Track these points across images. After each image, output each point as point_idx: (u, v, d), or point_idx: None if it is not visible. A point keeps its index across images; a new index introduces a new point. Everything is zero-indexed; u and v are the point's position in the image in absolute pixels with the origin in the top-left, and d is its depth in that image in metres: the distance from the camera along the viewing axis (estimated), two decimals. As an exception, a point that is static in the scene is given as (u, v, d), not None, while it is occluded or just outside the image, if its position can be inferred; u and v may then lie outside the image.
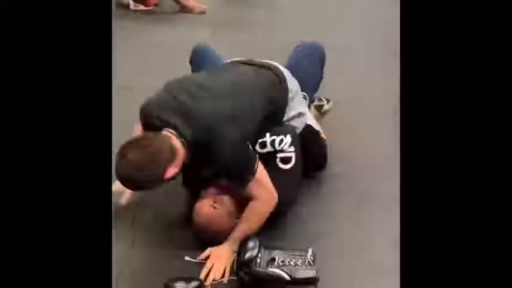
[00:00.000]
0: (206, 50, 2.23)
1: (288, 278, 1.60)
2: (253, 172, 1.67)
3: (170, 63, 3.01)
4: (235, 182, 1.72)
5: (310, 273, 1.62)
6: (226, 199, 1.74)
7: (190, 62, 2.22)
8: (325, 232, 1.86)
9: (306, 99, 2.12)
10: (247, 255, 1.62)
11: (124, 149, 1.56)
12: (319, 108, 2.34)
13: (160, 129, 1.65)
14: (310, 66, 2.17)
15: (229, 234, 1.73)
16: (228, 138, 1.63)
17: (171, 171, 1.58)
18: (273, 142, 1.81)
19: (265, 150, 1.80)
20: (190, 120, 1.64)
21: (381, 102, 2.53)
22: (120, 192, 1.81)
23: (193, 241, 1.77)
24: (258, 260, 1.62)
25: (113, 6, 3.52)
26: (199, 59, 2.17)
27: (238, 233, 1.71)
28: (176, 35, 3.43)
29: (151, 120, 1.70)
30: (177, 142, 1.61)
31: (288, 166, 1.82)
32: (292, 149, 1.82)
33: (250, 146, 1.72)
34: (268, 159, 1.79)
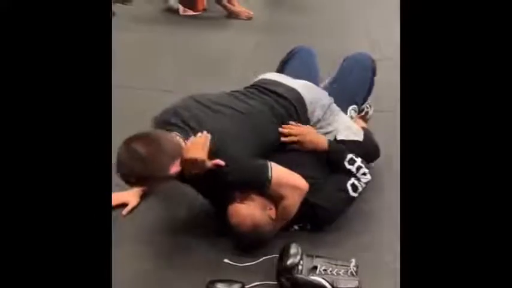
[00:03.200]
0: (311, 52, 2.29)
1: (329, 287, 1.58)
2: (268, 179, 1.69)
3: (217, 68, 3.06)
4: (250, 190, 1.74)
5: (352, 283, 1.59)
6: (253, 195, 1.74)
7: (284, 61, 2.26)
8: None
9: (356, 111, 2.12)
10: (290, 261, 1.60)
11: (131, 141, 1.56)
12: (364, 116, 2.32)
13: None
14: (360, 79, 2.18)
15: (270, 229, 1.76)
16: (232, 155, 1.66)
17: (175, 168, 1.59)
18: (359, 168, 1.85)
19: (348, 167, 1.85)
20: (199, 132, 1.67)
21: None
22: (120, 204, 1.93)
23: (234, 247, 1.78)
24: (300, 267, 1.60)
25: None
26: (300, 57, 2.23)
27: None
28: (223, 41, 3.48)
29: (164, 127, 1.72)
30: (182, 142, 1.64)
31: (354, 194, 1.85)
32: (364, 185, 1.86)
33: (258, 157, 1.73)
34: (340, 177, 1.85)
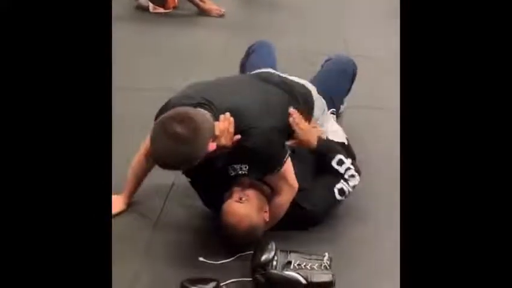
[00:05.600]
0: (269, 47, 2.28)
1: (304, 281, 1.60)
2: (281, 163, 1.71)
3: (188, 65, 3.05)
4: (262, 169, 1.73)
5: (326, 277, 1.61)
6: (251, 193, 1.74)
7: (246, 55, 2.27)
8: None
9: (334, 114, 2.14)
10: (264, 257, 1.61)
11: (166, 123, 1.49)
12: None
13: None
14: (342, 84, 2.21)
15: (262, 232, 1.75)
16: (265, 124, 1.65)
17: (213, 145, 1.56)
18: (347, 169, 1.85)
19: (335, 168, 1.85)
20: (227, 107, 1.65)
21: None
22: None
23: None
24: (274, 263, 1.61)
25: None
26: (259, 52, 2.23)
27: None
28: (194, 38, 3.46)
29: (188, 102, 1.66)
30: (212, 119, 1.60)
31: (340, 198, 1.85)
32: (351, 189, 1.86)
33: (283, 142, 1.75)
34: (327, 179, 1.85)
